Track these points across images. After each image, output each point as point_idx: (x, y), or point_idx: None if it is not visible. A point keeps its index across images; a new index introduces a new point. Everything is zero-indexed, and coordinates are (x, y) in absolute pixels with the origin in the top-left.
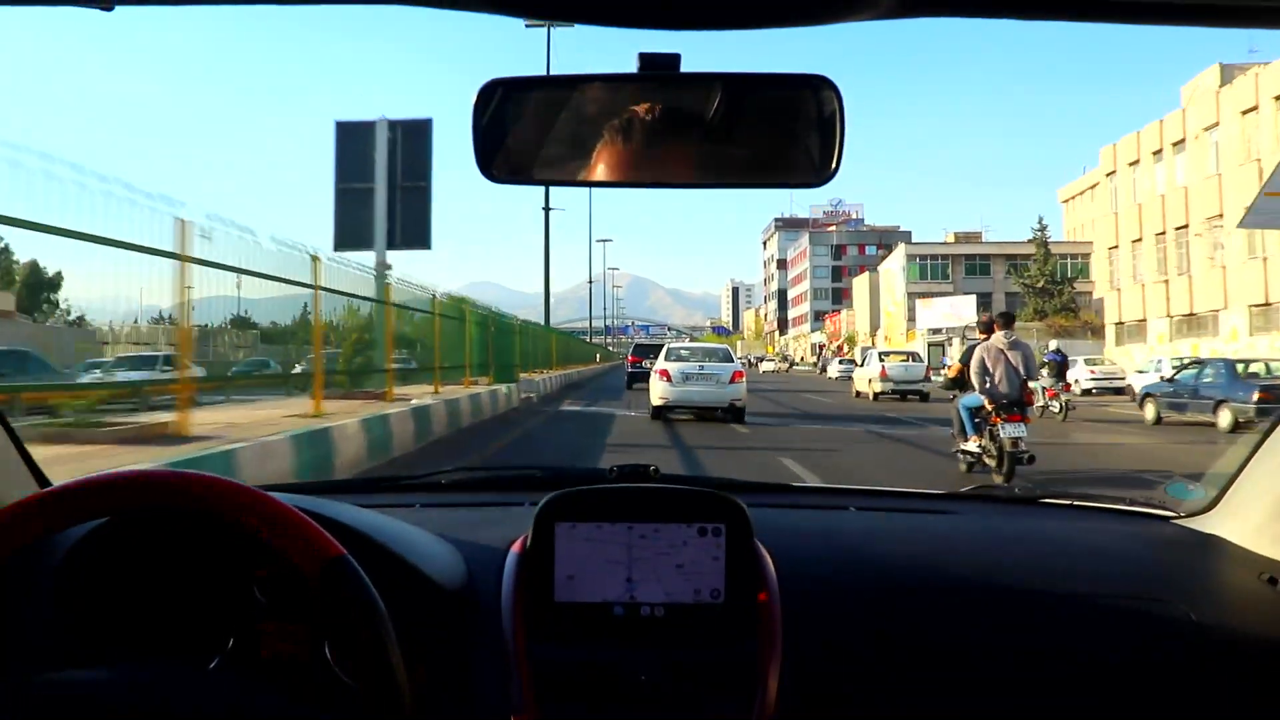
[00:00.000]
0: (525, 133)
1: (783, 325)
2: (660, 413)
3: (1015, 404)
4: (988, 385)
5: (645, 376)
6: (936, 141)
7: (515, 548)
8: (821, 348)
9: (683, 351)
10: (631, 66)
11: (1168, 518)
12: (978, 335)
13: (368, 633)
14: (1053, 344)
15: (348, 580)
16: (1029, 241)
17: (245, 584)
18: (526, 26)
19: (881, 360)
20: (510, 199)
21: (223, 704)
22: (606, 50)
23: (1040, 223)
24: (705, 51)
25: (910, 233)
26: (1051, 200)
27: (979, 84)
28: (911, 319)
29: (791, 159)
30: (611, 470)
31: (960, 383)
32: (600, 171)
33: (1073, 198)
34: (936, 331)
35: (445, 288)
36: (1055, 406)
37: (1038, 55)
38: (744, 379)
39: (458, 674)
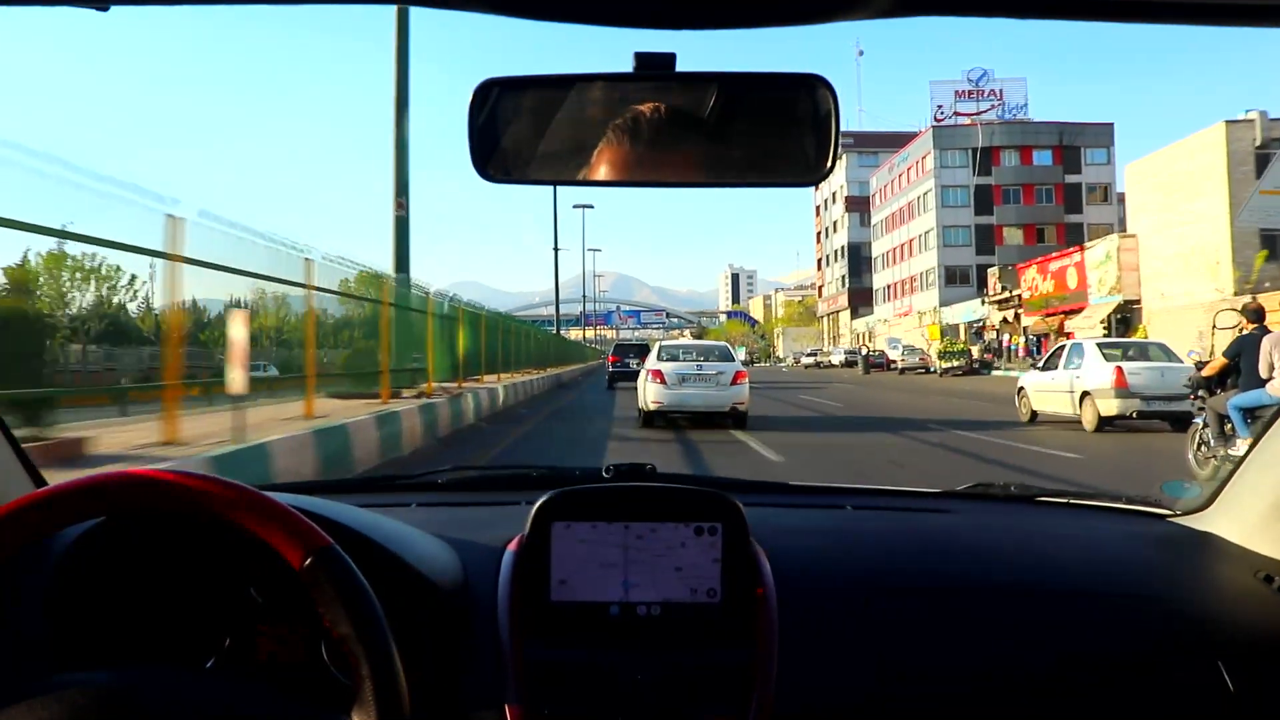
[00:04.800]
0: (521, 132)
1: (858, 300)
2: (652, 419)
3: None
4: None
5: (626, 375)
6: None
7: (511, 547)
8: (987, 330)
9: (677, 350)
10: (627, 66)
11: (1164, 516)
12: (1244, 326)
13: (359, 623)
14: None
15: (336, 570)
16: None
17: (242, 585)
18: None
19: (1108, 359)
20: (492, 200)
21: (218, 705)
22: (602, 50)
23: None
24: (701, 51)
25: (1111, 125)
26: None
27: None
28: None
29: (787, 157)
30: (608, 469)
31: (1211, 382)
32: (596, 171)
33: None
34: None
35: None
36: None
37: None
38: (747, 379)
39: (453, 673)
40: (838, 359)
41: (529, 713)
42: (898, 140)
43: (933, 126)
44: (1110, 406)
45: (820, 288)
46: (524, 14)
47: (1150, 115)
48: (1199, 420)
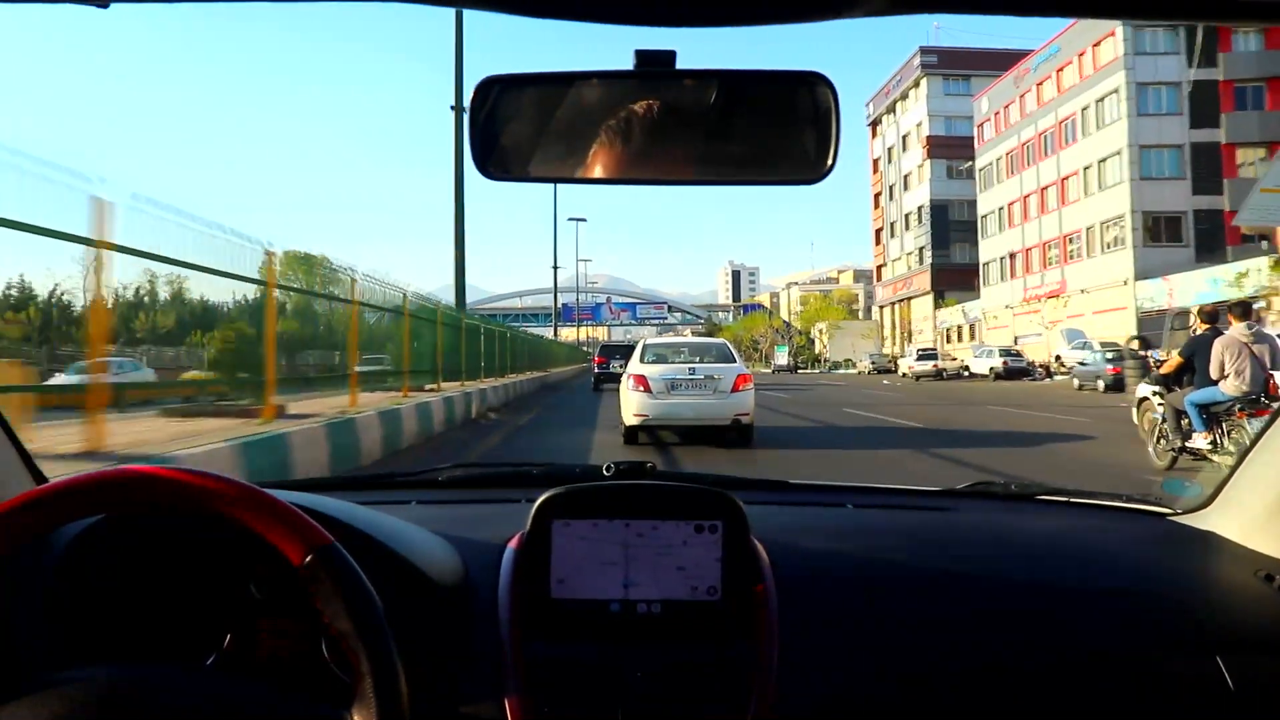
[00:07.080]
0: (521, 130)
1: (945, 281)
2: (635, 434)
3: (1260, 399)
4: (1238, 380)
5: (613, 378)
6: None
7: (512, 545)
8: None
9: (665, 350)
10: (627, 64)
11: (1164, 514)
12: (1198, 326)
13: (359, 621)
14: None
15: (336, 568)
16: None
17: (242, 581)
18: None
19: None
20: (483, 202)
21: (219, 702)
22: (602, 47)
23: None
24: (701, 49)
25: None
26: None
27: None
28: None
29: (787, 155)
30: (609, 467)
31: (1169, 380)
32: (596, 168)
33: None
34: None
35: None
36: None
37: None
38: (751, 385)
39: (454, 671)
40: (984, 366)
41: (529, 710)
42: (1001, 61)
43: None
44: None
45: (879, 268)
46: (524, 12)
47: None
48: (1158, 415)
